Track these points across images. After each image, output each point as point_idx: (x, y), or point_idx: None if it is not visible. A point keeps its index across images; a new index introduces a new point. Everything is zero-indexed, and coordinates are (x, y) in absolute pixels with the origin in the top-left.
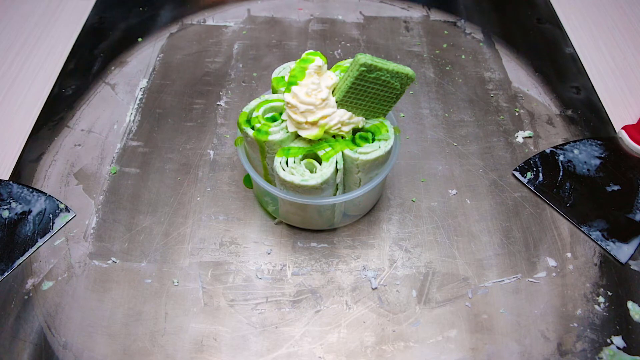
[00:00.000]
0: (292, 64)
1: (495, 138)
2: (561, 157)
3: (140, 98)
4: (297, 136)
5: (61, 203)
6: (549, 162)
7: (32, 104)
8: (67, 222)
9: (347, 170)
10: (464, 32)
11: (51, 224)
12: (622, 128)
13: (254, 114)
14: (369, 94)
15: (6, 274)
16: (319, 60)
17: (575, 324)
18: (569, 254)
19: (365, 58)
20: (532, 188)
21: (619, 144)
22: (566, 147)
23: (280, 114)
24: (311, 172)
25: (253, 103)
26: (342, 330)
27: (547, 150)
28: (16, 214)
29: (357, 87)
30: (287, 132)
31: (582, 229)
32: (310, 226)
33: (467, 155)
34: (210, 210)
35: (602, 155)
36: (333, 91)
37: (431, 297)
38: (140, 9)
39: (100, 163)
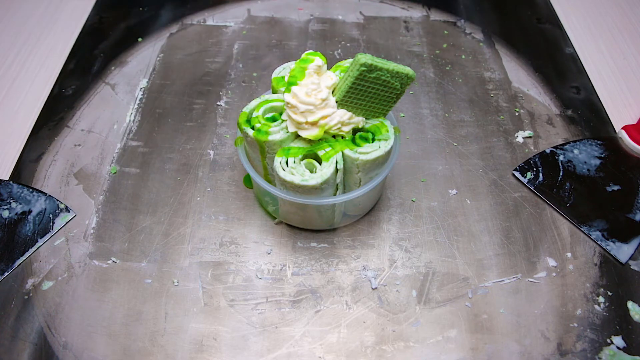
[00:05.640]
0: (292, 64)
1: (495, 138)
2: (561, 157)
3: (140, 98)
4: (297, 136)
5: (61, 203)
6: (549, 162)
7: (32, 104)
8: (67, 222)
9: (347, 170)
10: (464, 32)
11: (51, 224)
12: (622, 128)
13: (254, 114)
14: (369, 94)
15: (6, 274)
16: (318, 60)
17: (575, 324)
18: (569, 254)
19: (365, 58)
20: (532, 188)
21: (619, 144)
22: (566, 147)
23: (280, 114)
24: (311, 172)
25: (253, 103)
26: (342, 330)
27: (547, 150)
28: (16, 214)
29: (357, 87)
30: (287, 132)
31: (582, 229)
32: (310, 226)
33: (467, 155)
34: (210, 210)
35: (602, 155)
36: (333, 91)
37: (431, 297)
38: (140, 9)
39: (100, 163)
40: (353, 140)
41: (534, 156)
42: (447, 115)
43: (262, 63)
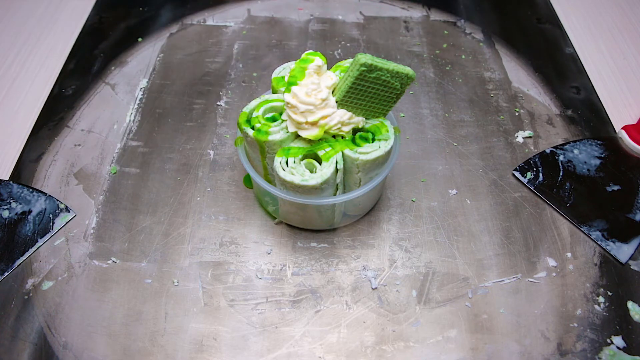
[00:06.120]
0: (292, 64)
1: (495, 138)
2: (561, 157)
3: (140, 98)
4: (297, 136)
5: (61, 203)
6: (549, 162)
7: (32, 104)
8: (67, 222)
9: (347, 170)
10: (464, 32)
11: (51, 224)
12: (622, 128)
13: (254, 114)
14: (369, 94)
15: (6, 274)
16: (318, 60)
17: (575, 324)
18: (569, 254)
19: (365, 58)
20: (532, 188)
21: (619, 144)
22: (566, 147)
23: (280, 114)
24: (311, 172)
25: (253, 103)
26: (342, 330)
27: (547, 150)
28: (16, 214)
29: (357, 87)
30: (287, 132)
31: (582, 229)
32: (310, 226)
33: (467, 155)
34: (210, 210)
35: (602, 155)
36: (333, 91)
37: (431, 297)
38: (140, 9)
39: (100, 163)
40: (353, 140)
41: (534, 156)
42: (447, 115)
43: (262, 63)
